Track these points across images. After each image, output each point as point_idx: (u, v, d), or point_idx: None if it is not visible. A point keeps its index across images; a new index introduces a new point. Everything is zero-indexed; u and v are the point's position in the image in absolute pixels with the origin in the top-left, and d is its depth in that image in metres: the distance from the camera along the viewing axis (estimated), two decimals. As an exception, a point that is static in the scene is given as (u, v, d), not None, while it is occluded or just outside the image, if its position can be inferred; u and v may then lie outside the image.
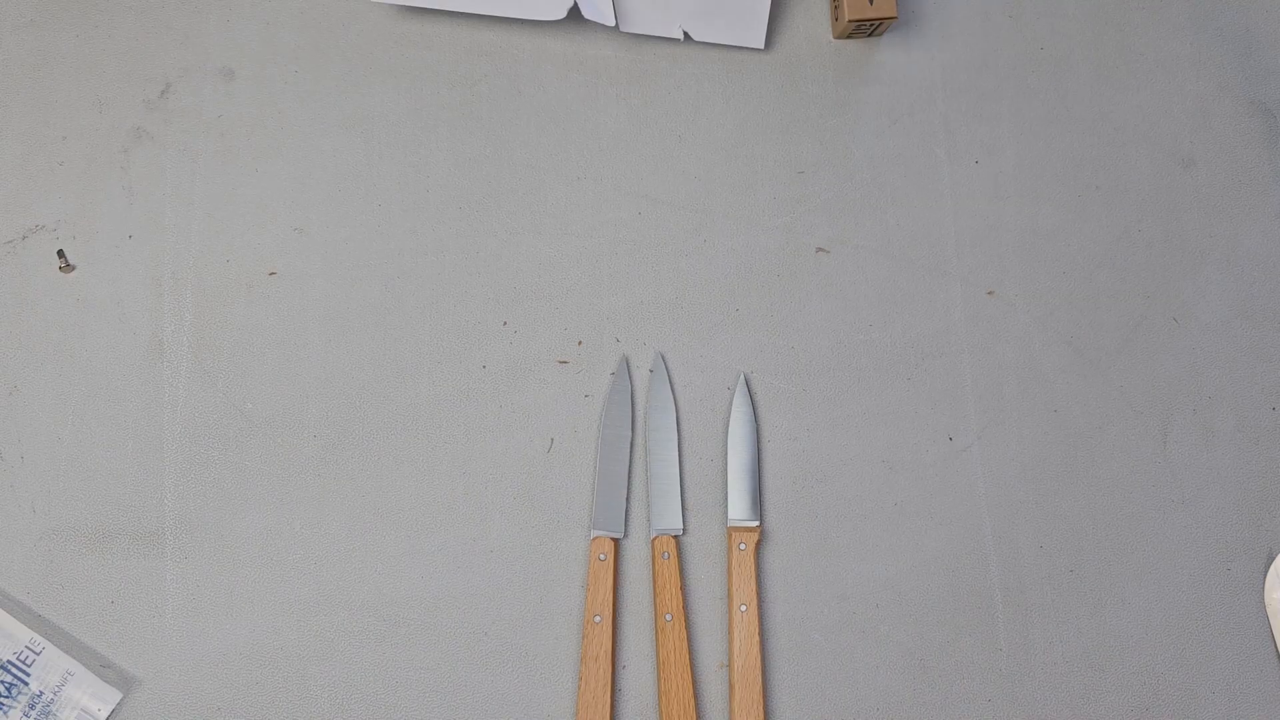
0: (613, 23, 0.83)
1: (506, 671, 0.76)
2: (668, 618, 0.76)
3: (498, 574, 0.77)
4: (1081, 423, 0.82)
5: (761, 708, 0.76)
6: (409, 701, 0.76)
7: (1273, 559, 0.80)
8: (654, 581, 0.78)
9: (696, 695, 0.76)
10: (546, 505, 0.79)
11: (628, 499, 0.79)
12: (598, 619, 0.76)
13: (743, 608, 0.77)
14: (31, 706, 0.73)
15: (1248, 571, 0.81)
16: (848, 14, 0.82)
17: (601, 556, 0.77)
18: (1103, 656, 0.79)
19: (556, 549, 0.78)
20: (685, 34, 0.85)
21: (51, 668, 0.74)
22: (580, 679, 0.75)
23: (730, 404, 0.82)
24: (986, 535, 0.80)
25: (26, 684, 0.73)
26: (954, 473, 0.81)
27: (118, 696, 0.74)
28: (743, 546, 0.78)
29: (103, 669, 0.74)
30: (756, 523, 0.79)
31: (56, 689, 0.73)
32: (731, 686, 0.76)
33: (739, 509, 0.79)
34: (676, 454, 0.80)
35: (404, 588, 0.77)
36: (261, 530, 0.77)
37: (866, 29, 0.85)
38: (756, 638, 0.77)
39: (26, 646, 0.73)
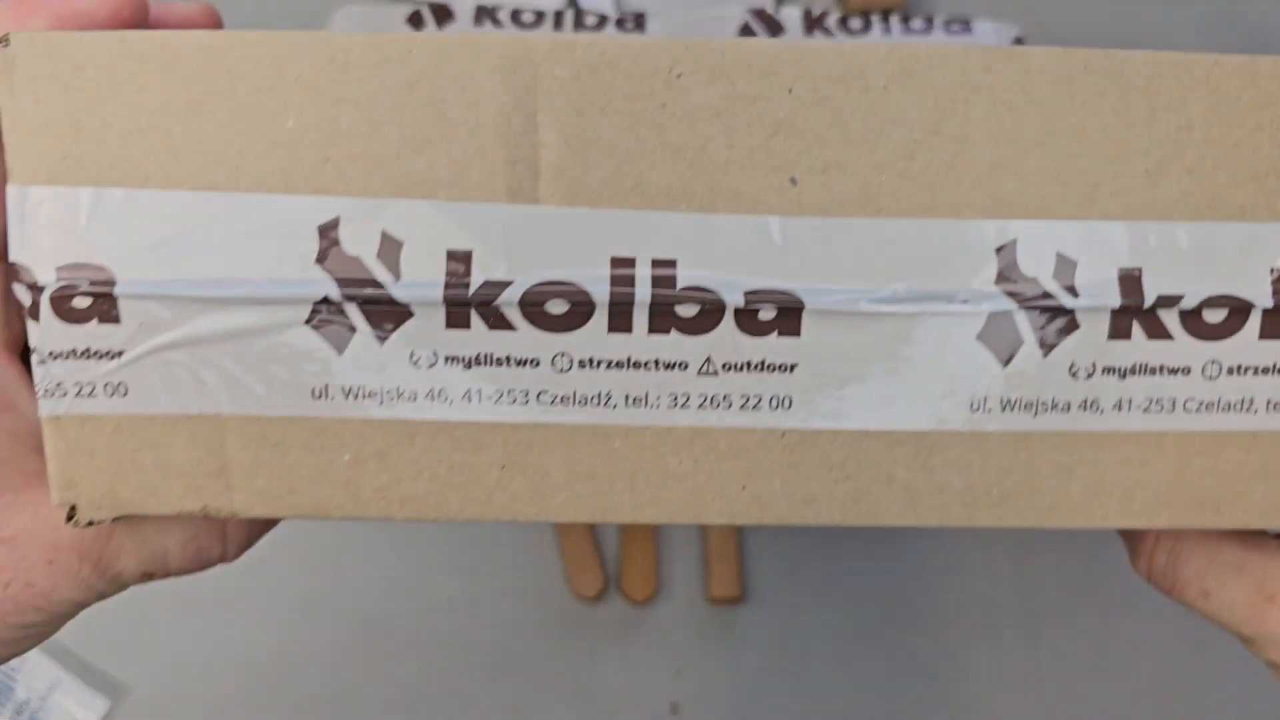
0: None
1: (501, 681, 0.76)
2: None
3: (493, 582, 0.77)
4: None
5: (738, 584, 0.77)
6: (401, 712, 0.75)
7: (1288, 568, 0.80)
8: None
9: (660, 565, 0.77)
10: (545, 512, 0.78)
11: None
12: None
13: None
14: (18, 713, 0.73)
15: None
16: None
17: None
18: (1113, 664, 0.78)
19: (555, 556, 0.78)
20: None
21: (38, 675, 0.73)
22: (562, 548, 0.77)
23: None
24: (995, 541, 0.79)
25: (13, 691, 0.73)
26: None
27: (106, 704, 0.73)
28: None
29: (90, 676, 0.74)
30: None
31: (44, 696, 0.73)
32: (708, 563, 0.77)
33: None
34: None
35: (397, 596, 0.77)
36: (254, 537, 0.77)
37: (873, 23, 0.85)
38: None
39: (13, 652, 0.73)
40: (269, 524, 0.38)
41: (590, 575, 0.76)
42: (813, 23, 0.77)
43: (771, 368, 0.31)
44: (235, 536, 0.36)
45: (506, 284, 0.29)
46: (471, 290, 0.29)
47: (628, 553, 0.76)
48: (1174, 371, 0.31)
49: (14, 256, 0.29)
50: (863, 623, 0.79)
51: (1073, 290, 0.30)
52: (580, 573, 0.76)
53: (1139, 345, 0.31)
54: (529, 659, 0.77)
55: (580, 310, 0.30)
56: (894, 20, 0.77)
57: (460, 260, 0.29)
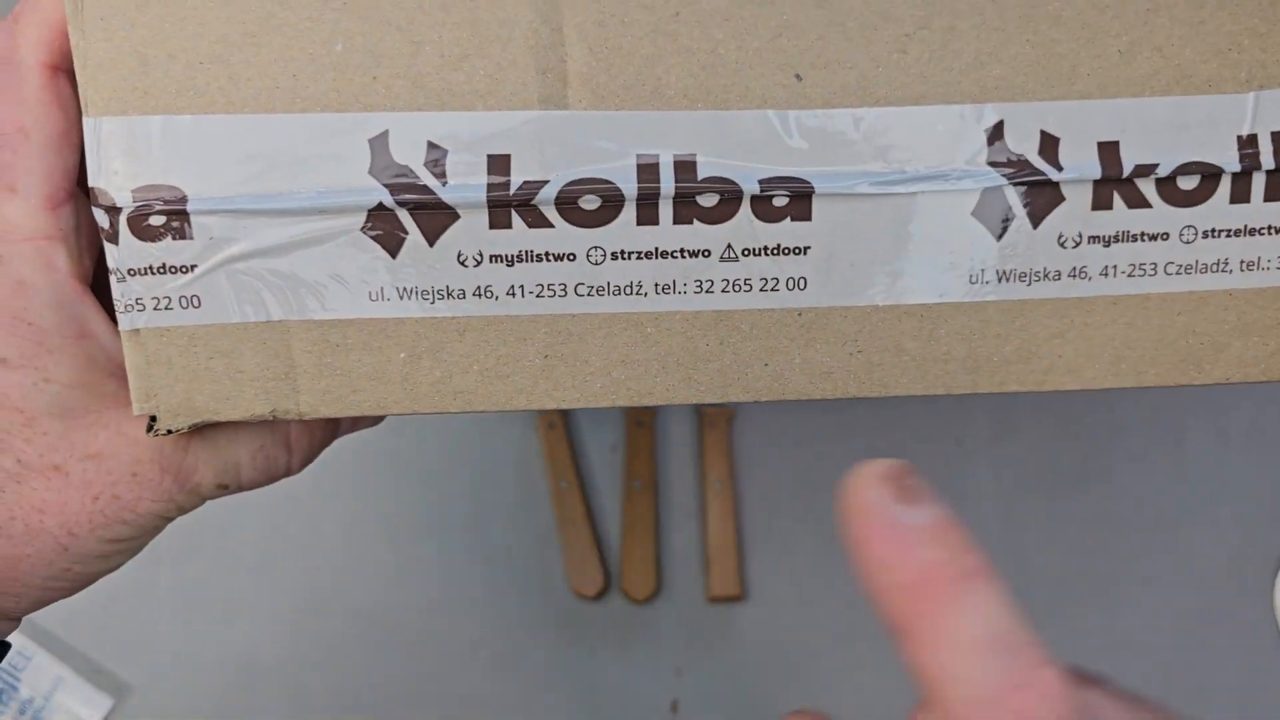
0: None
1: (504, 680, 0.78)
2: (636, 485, 0.80)
3: (495, 581, 0.80)
4: (1093, 426, 0.84)
5: (738, 582, 0.79)
6: (405, 710, 0.78)
7: (1282, 560, 0.83)
8: (627, 449, 0.82)
9: (660, 563, 0.80)
10: (545, 511, 0.81)
11: None
12: (563, 485, 0.80)
13: (717, 484, 0.80)
14: (22, 712, 0.75)
15: (1260, 577, 0.82)
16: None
17: (551, 424, 0.81)
18: (1110, 662, 0.78)
19: (555, 555, 0.80)
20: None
21: (42, 673, 0.75)
22: (562, 546, 0.79)
23: None
24: (994, 540, 0.82)
25: (17, 689, 0.75)
26: (962, 477, 0.83)
27: (109, 703, 0.76)
28: (713, 424, 0.81)
29: (94, 675, 0.76)
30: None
31: (47, 695, 0.75)
32: (708, 562, 0.79)
33: None
34: None
35: (399, 595, 0.79)
36: (255, 536, 0.79)
37: None
38: (731, 512, 0.80)
39: (18, 652, 0.75)
40: (329, 436, 0.41)
41: (590, 574, 0.79)
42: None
43: (787, 251, 0.34)
44: (299, 447, 0.39)
45: (544, 183, 0.33)
46: (512, 190, 0.33)
47: (628, 551, 0.79)
48: (1153, 237, 0.35)
49: (93, 182, 0.33)
50: (863, 623, 0.81)
51: (1057, 164, 0.34)
52: (581, 571, 0.78)
53: (1120, 214, 0.35)
54: (529, 658, 0.79)
55: (611, 205, 0.33)
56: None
57: (500, 163, 0.33)
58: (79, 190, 0.35)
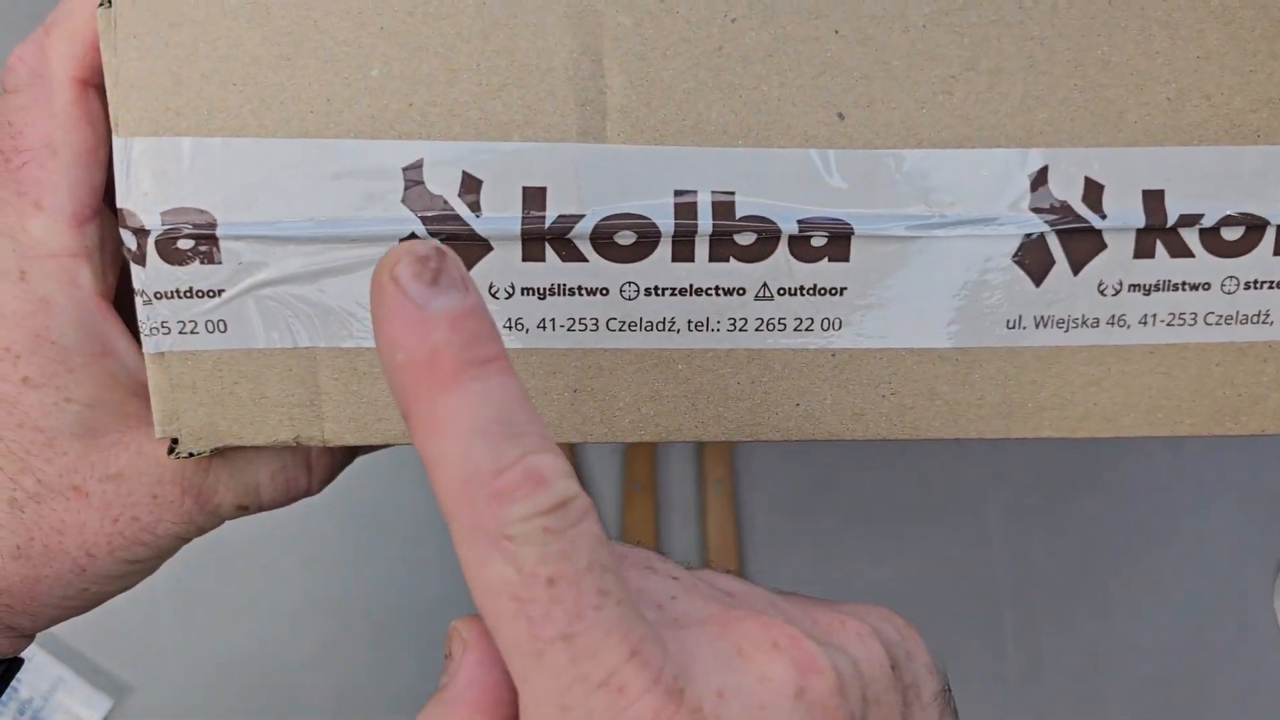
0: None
1: (504, 680, 0.78)
2: (636, 486, 0.79)
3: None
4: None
5: None
6: (405, 710, 0.77)
7: (1284, 561, 0.83)
8: (627, 450, 0.81)
9: None
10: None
11: None
12: None
13: (717, 484, 0.80)
14: (21, 713, 0.74)
15: (1260, 577, 0.82)
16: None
17: None
18: (1111, 662, 0.81)
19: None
20: None
21: (42, 674, 0.75)
22: None
23: None
24: (995, 539, 0.82)
25: (17, 689, 0.75)
26: (962, 476, 0.83)
27: (109, 703, 0.75)
28: None
29: (94, 675, 0.76)
30: None
31: (47, 695, 0.75)
32: (708, 562, 0.79)
33: None
34: None
35: (400, 595, 0.79)
36: (255, 536, 0.79)
37: None
38: (731, 512, 0.79)
39: (17, 651, 0.75)
40: (349, 457, 0.41)
41: (589, 573, 0.77)
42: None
43: (823, 291, 0.34)
44: (319, 469, 0.39)
45: (579, 217, 0.33)
46: (547, 224, 0.33)
47: (626, 551, 0.78)
48: (1195, 287, 0.35)
49: (121, 203, 0.32)
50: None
51: (1101, 212, 0.34)
52: (579, 570, 0.77)
53: (1162, 263, 0.35)
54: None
55: (647, 241, 0.33)
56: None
57: (535, 196, 0.33)
58: (104, 206, 0.35)
